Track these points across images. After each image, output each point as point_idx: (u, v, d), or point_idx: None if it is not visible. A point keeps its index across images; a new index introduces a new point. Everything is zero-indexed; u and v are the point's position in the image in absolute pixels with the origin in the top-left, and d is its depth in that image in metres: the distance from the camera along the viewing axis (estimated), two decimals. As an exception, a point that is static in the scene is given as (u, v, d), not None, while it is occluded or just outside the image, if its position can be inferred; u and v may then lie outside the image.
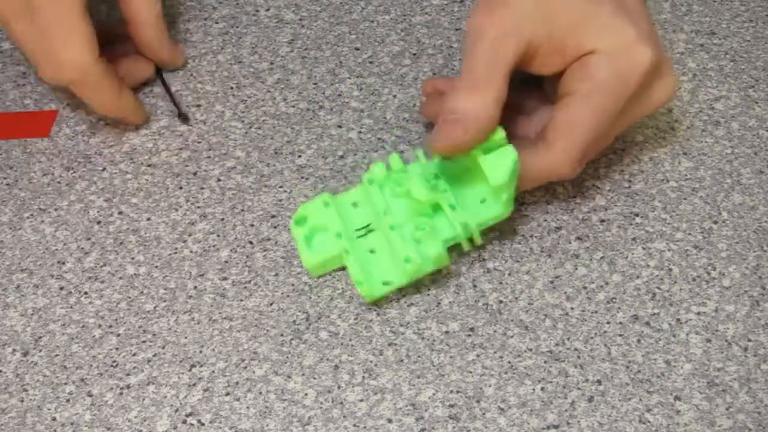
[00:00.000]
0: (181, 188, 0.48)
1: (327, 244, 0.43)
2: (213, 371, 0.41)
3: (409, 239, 0.41)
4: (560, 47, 0.41)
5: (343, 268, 0.44)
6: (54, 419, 0.39)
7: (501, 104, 0.41)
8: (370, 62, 0.53)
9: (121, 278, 0.44)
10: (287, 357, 0.41)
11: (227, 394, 0.40)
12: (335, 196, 0.45)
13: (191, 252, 0.45)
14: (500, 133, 0.41)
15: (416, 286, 0.43)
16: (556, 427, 0.38)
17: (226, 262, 0.45)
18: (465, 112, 0.40)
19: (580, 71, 0.41)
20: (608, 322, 0.42)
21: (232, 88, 0.52)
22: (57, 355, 0.42)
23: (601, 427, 0.38)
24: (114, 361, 0.41)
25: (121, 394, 0.40)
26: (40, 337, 0.42)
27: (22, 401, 0.40)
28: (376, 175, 0.43)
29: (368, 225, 0.43)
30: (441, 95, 0.48)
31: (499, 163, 0.40)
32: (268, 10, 0.56)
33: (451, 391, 0.40)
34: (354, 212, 0.44)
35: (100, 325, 0.43)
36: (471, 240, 0.42)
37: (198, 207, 0.47)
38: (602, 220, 0.46)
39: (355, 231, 0.43)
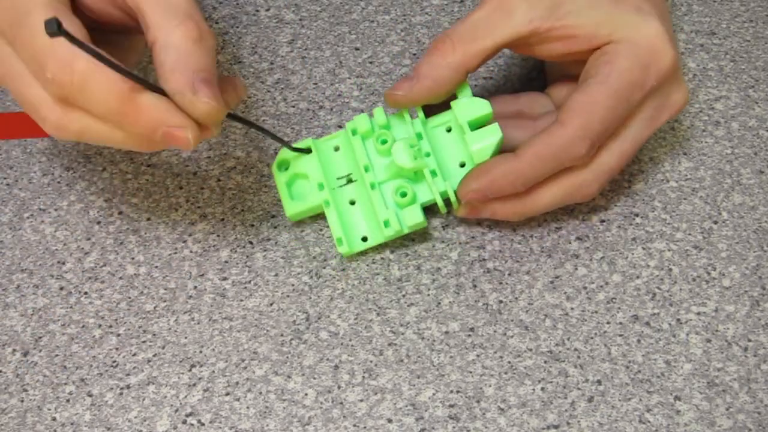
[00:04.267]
0: (181, 188, 0.48)
1: (308, 194, 0.44)
2: (213, 371, 0.41)
3: (390, 201, 0.43)
4: (569, 36, 0.41)
5: (323, 217, 0.45)
6: (54, 419, 0.39)
7: (463, 71, 0.42)
8: (370, 62, 0.53)
9: (121, 278, 0.44)
10: (287, 357, 0.41)
11: (227, 394, 0.40)
12: (317, 140, 0.45)
13: (191, 252, 0.45)
14: (487, 109, 0.42)
15: (416, 286, 0.43)
16: (556, 427, 0.38)
17: (226, 262, 0.45)
18: (420, 68, 0.42)
19: (601, 57, 0.41)
20: (608, 322, 0.42)
21: (232, 88, 0.52)
22: (57, 355, 0.42)
23: (601, 427, 0.38)
24: (114, 361, 0.41)
25: (121, 394, 0.40)
26: (40, 337, 0.42)
27: (22, 401, 0.40)
28: (360, 126, 0.44)
29: (349, 174, 0.44)
30: None
31: (484, 141, 0.42)
32: (268, 10, 0.56)
33: (451, 391, 0.40)
34: (336, 158, 0.44)
35: (100, 325, 0.43)
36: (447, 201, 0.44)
37: (198, 207, 0.47)
38: (602, 220, 0.46)
39: (336, 179, 0.44)
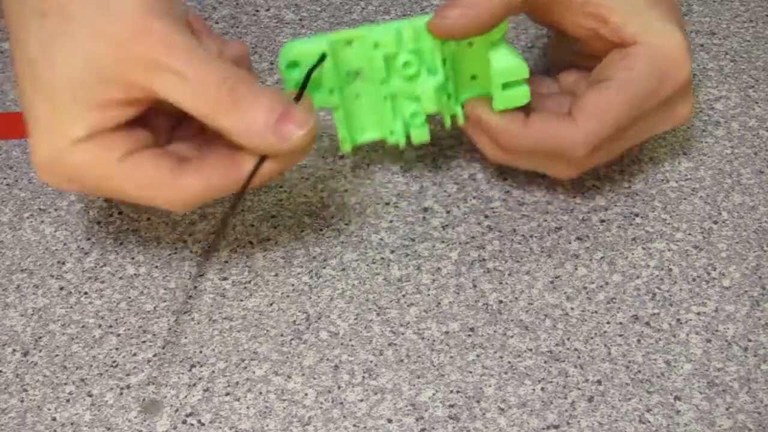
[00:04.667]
0: (181, 188, 0.48)
1: (317, 96, 0.42)
2: (213, 371, 0.41)
3: (398, 115, 0.43)
4: (601, 17, 0.41)
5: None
6: (54, 419, 0.39)
7: (511, 7, 0.40)
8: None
9: (121, 278, 0.44)
10: (287, 357, 0.41)
11: (227, 394, 0.40)
12: (329, 35, 0.42)
13: (191, 252, 0.45)
14: (524, 74, 0.42)
15: (416, 286, 0.43)
16: (556, 427, 0.39)
17: (226, 262, 0.45)
18: None
19: (622, 60, 0.41)
20: (608, 322, 0.42)
21: (232, 88, 0.52)
22: (57, 355, 0.42)
23: (601, 427, 0.38)
24: (114, 361, 0.41)
25: (121, 394, 0.40)
26: (40, 337, 0.42)
27: (22, 401, 0.40)
28: (385, 44, 0.42)
29: (360, 69, 0.43)
30: None
31: (511, 101, 0.42)
32: (268, 10, 0.56)
33: (451, 391, 0.40)
34: (348, 53, 0.42)
35: (100, 325, 0.43)
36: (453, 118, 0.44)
37: (198, 207, 0.47)
38: (602, 220, 0.46)
39: (346, 75, 0.43)
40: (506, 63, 0.42)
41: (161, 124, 0.39)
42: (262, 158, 0.37)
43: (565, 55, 0.46)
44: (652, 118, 0.43)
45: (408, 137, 0.44)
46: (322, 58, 0.41)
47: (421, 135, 0.44)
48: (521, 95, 0.42)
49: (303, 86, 0.39)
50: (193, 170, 0.37)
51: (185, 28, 0.36)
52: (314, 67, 0.40)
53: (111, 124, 0.36)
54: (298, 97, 0.38)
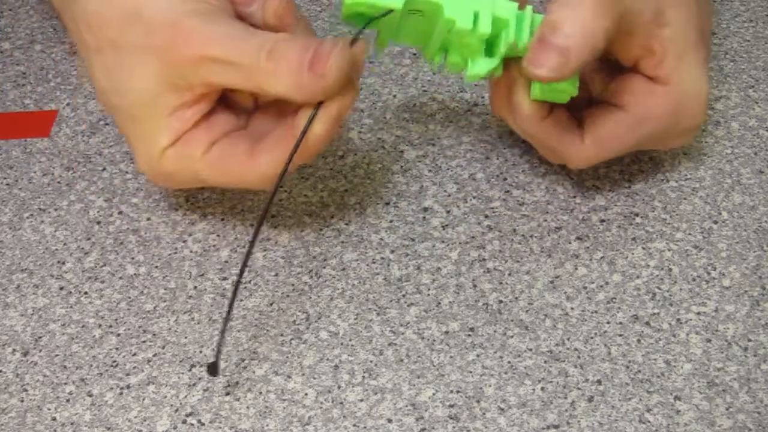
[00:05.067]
0: (181, 188, 0.48)
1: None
2: (213, 371, 0.41)
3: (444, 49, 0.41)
4: (650, 48, 0.41)
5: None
6: (54, 419, 0.39)
7: (609, 40, 0.38)
8: (371, 62, 0.53)
9: (121, 278, 0.44)
10: (287, 357, 0.41)
11: (227, 394, 0.40)
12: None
13: (191, 252, 0.45)
14: (572, 91, 0.41)
15: (416, 286, 0.43)
16: (556, 427, 0.38)
17: (226, 262, 0.45)
18: (571, 34, 0.37)
19: (645, 95, 0.41)
20: (608, 322, 0.42)
21: (232, 88, 0.52)
22: (57, 355, 0.42)
23: (601, 427, 0.38)
24: (114, 361, 0.41)
25: (121, 394, 0.40)
26: (40, 337, 0.42)
27: (22, 401, 0.40)
28: (457, 27, 0.39)
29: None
30: None
31: (550, 97, 0.41)
32: (268, 10, 0.56)
33: (451, 391, 0.40)
34: (415, 19, 0.40)
35: (100, 325, 0.43)
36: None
37: (198, 207, 0.47)
38: (602, 220, 0.46)
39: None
40: (553, 92, 0.41)
41: (240, 102, 0.41)
42: (316, 106, 0.37)
43: None
44: (650, 146, 0.45)
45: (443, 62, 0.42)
46: (388, 12, 0.39)
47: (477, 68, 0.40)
48: (559, 98, 0.41)
49: (359, 32, 0.38)
50: (265, 149, 0.39)
51: (215, 13, 0.38)
52: (377, 17, 0.38)
53: (189, 124, 0.39)
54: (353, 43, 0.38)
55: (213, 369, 0.38)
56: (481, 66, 0.40)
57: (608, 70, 0.43)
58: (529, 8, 0.40)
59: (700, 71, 0.42)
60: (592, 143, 0.42)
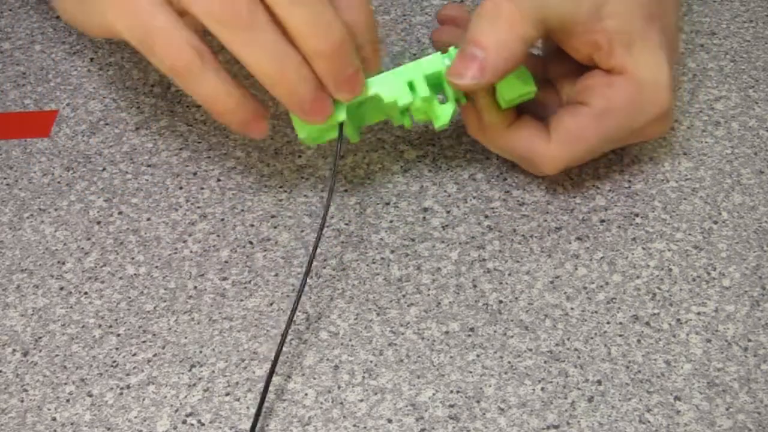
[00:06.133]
0: (181, 188, 0.48)
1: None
2: (213, 371, 0.41)
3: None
4: (597, 44, 0.41)
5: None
6: (54, 419, 0.39)
7: (529, 45, 0.40)
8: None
9: (121, 278, 0.44)
10: (287, 357, 0.41)
11: (227, 394, 0.40)
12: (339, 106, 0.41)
13: (191, 252, 0.45)
14: (531, 89, 0.42)
15: (416, 286, 0.43)
16: (556, 427, 0.38)
17: (226, 262, 0.45)
18: (486, 46, 0.39)
19: (604, 88, 0.42)
20: (608, 322, 0.42)
21: (232, 88, 0.52)
22: (57, 355, 0.42)
23: (601, 427, 0.38)
24: (114, 361, 0.41)
25: (121, 394, 0.40)
26: (40, 337, 0.42)
27: (22, 401, 0.40)
28: (399, 101, 0.41)
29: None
30: (455, 22, 0.47)
31: (515, 102, 0.42)
32: (268, 10, 0.56)
33: (451, 391, 0.40)
34: (362, 109, 0.43)
35: (100, 325, 0.43)
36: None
37: (198, 207, 0.47)
38: (602, 220, 0.46)
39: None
40: (513, 92, 0.42)
41: None
42: None
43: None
44: (623, 141, 0.44)
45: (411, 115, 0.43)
46: (341, 129, 0.41)
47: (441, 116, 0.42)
48: (526, 97, 0.42)
49: (339, 144, 0.41)
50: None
51: None
52: (339, 141, 0.41)
53: None
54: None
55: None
56: (443, 116, 0.42)
57: (576, 74, 0.44)
58: (452, 49, 0.42)
59: (656, 57, 0.42)
60: (559, 142, 0.42)
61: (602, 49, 0.41)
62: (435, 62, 0.42)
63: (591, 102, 0.42)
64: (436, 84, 0.42)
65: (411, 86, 0.41)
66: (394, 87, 0.41)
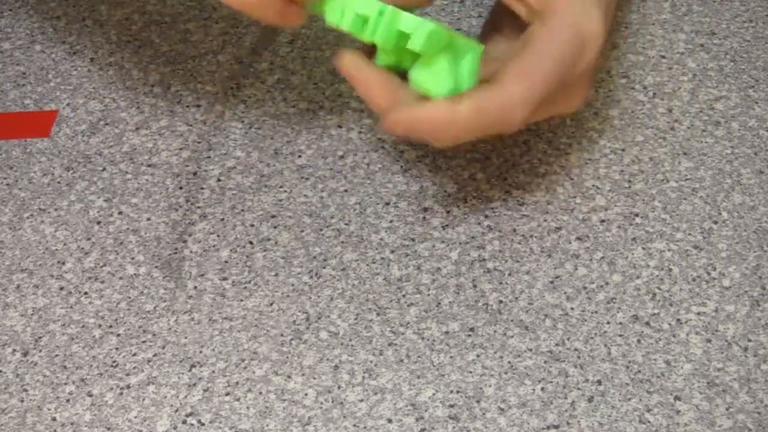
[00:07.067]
0: (181, 188, 0.48)
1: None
2: (213, 371, 0.41)
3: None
4: None
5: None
6: (54, 419, 0.39)
7: None
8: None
9: (121, 278, 0.44)
10: (287, 357, 0.41)
11: (227, 394, 0.40)
12: None
13: (191, 252, 0.45)
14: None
15: (416, 286, 0.43)
16: (556, 427, 0.39)
17: (226, 262, 0.45)
18: None
19: (542, 28, 0.40)
20: (608, 322, 0.42)
21: (232, 88, 0.52)
22: (57, 355, 0.42)
23: (601, 427, 0.38)
24: (114, 361, 0.41)
25: (121, 394, 0.40)
26: (40, 337, 0.42)
27: (22, 401, 0.40)
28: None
29: None
30: None
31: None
32: (268, 10, 0.56)
33: (451, 391, 0.40)
34: None
35: (100, 325, 0.43)
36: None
37: (198, 207, 0.47)
38: (602, 220, 0.46)
39: None
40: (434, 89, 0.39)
41: None
42: None
43: (495, 25, 0.45)
44: (562, 94, 0.41)
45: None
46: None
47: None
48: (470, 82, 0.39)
49: None
50: None
51: None
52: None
53: None
54: None
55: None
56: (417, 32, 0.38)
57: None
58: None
59: (590, 5, 0.40)
60: (519, 79, 0.39)
61: None
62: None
63: (533, 42, 0.40)
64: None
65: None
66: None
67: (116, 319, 0.43)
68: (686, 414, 0.39)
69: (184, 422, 0.39)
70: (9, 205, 0.48)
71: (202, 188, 0.48)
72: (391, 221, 0.46)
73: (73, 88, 0.53)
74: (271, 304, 0.43)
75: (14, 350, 0.42)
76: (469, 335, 0.42)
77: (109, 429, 0.39)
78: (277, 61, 0.53)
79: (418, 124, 0.39)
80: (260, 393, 0.40)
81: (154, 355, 0.41)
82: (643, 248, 0.44)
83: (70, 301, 0.43)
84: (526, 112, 0.39)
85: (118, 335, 0.42)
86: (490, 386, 0.40)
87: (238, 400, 0.40)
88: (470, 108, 0.38)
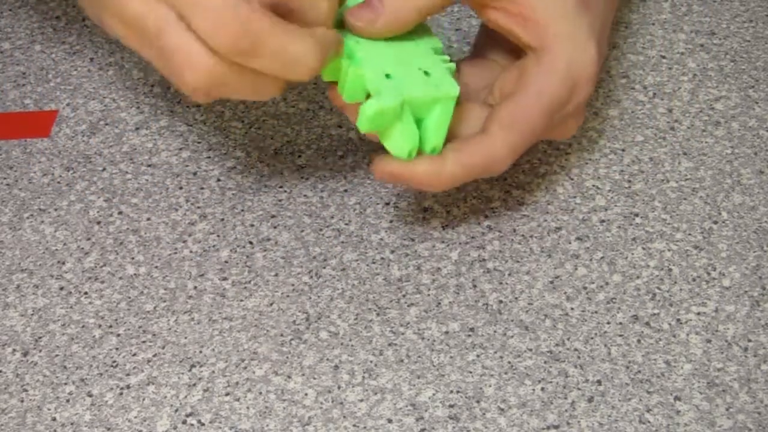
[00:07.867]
0: (181, 188, 0.48)
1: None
2: (213, 371, 0.41)
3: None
4: (522, 16, 0.40)
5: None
6: (54, 419, 0.39)
7: (427, 13, 0.40)
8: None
9: (121, 278, 0.44)
10: (287, 357, 0.41)
11: (227, 394, 0.40)
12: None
13: (191, 252, 0.45)
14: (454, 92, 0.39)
15: (416, 286, 0.43)
16: (556, 427, 0.38)
17: (226, 262, 0.45)
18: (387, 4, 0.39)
19: (537, 67, 0.41)
20: (608, 322, 0.42)
21: (232, 88, 0.52)
22: (57, 355, 0.42)
23: (601, 427, 0.38)
24: (114, 361, 0.41)
25: (121, 394, 0.40)
26: (40, 337, 0.42)
27: (22, 401, 0.40)
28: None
29: None
30: None
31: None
32: (268, 10, 0.56)
33: (451, 391, 0.40)
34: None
35: (100, 325, 0.43)
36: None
37: (198, 207, 0.47)
38: (602, 220, 0.46)
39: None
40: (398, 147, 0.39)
41: None
42: None
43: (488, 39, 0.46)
44: (552, 129, 0.43)
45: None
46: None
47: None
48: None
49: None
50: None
51: None
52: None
53: None
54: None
55: None
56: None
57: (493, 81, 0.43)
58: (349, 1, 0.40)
59: (586, 34, 0.41)
60: (508, 132, 0.40)
61: (528, 21, 0.40)
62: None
63: (528, 85, 0.40)
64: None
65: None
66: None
67: (116, 319, 0.43)
68: (686, 414, 0.39)
69: (184, 422, 0.39)
70: (9, 205, 0.48)
71: (202, 188, 0.48)
72: (391, 221, 0.46)
73: (73, 88, 0.54)
74: (271, 304, 0.43)
75: (14, 350, 0.42)
76: (469, 335, 0.42)
77: (109, 429, 0.39)
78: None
79: (404, 178, 0.40)
80: (260, 393, 0.40)
81: (154, 355, 0.41)
82: (643, 248, 0.44)
83: (70, 301, 0.43)
84: (513, 159, 0.41)
85: (118, 335, 0.42)
86: (490, 386, 0.40)
87: (238, 400, 0.40)
88: (455, 162, 0.40)
